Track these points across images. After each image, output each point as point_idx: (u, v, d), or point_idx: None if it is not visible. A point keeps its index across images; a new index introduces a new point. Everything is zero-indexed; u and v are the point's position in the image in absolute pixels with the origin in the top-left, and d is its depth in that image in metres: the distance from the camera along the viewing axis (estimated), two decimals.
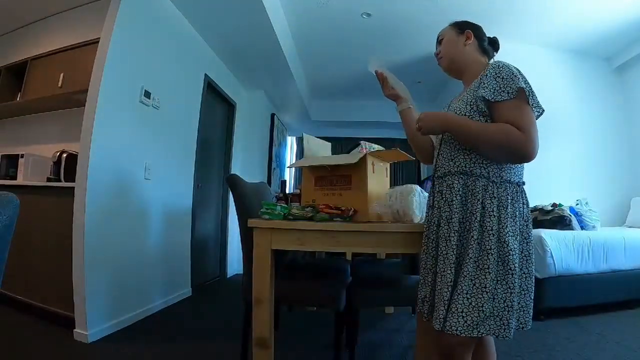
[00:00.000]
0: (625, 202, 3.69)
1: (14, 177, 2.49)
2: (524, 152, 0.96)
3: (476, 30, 1.21)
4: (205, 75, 3.40)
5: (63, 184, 2.18)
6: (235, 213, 1.63)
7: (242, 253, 1.57)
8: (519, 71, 1.03)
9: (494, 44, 1.23)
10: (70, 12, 2.60)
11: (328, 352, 1.85)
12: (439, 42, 1.28)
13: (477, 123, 1.01)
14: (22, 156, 2.47)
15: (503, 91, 0.98)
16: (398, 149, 1.50)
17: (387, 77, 1.35)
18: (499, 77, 1.00)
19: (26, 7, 2.63)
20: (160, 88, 2.61)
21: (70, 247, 1.98)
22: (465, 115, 1.04)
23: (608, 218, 3.65)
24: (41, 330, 2.02)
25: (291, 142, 6.90)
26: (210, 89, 3.56)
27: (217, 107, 3.90)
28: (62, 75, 2.37)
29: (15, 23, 2.86)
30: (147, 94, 2.46)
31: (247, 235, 1.47)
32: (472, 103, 1.03)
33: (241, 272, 1.71)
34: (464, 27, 1.21)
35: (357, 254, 2.61)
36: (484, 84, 1.01)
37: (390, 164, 1.66)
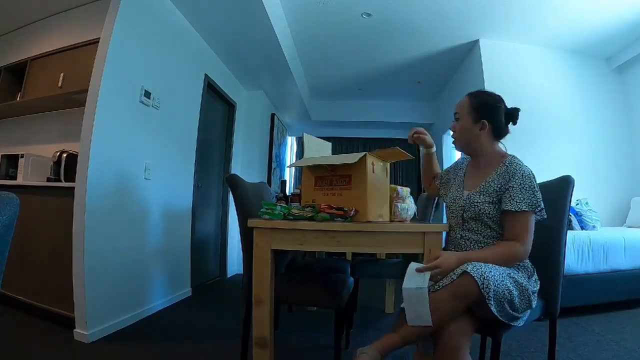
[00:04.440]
0: (625, 202, 3.69)
1: (14, 177, 2.49)
2: (521, 261, 1.17)
3: (492, 115, 1.26)
4: (205, 75, 3.40)
5: (63, 184, 2.18)
6: (235, 213, 1.63)
7: (242, 253, 1.57)
8: (534, 177, 1.17)
9: (512, 117, 1.28)
10: (70, 12, 2.61)
11: (328, 352, 1.85)
12: (456, 118, 1.33)
13: (486, 254, 1.12)
14: (22, 156, 2.47)
15: (523, 203, 1.13)
16: (398, 148, 1.49)
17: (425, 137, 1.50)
18: (523, 188, 1.15)
19: (26, 7, 2.63)
20: (160, 88, 2.61)
21: (70, 246, 1.98)
22: (485, 204, 1.20)
23: (608, 218, 3.65)
24: (41, 330, 2.02)
25: (291, 142, 6.89)
26: (210, 89, 3.56)
27: (217, 107, 3.90)
28: (62, 75, 2.37)
29: (15, 23, 2.86)
30: (147, 94, 2.46)
31: (247, 235, 1.47)
32: (495, 202, 1.20)
33: (241, 272, 1.71)
34: (480, 115, 1.26)
35: (357, 253, 2.61)
36: (510, 194, 1.15)
37: (390, 163, 1.66)
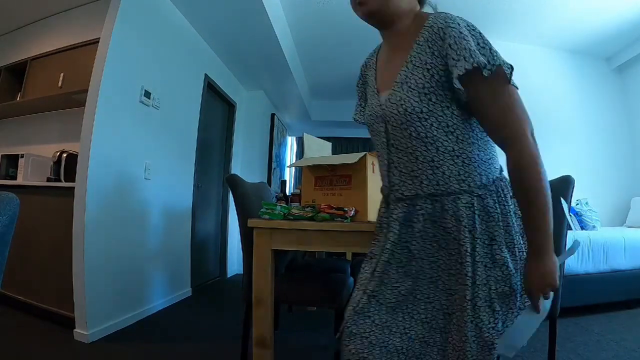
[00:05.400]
0: (625, 202, 3.69)
1: (14, 177, 2.49)
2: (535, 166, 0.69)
3: None
4: (205, 75, 3.40)
5: (63, 184, 2.18)
6: (235, 213, 1.63)
7: (242, 253, 1.57)
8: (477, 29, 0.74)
9: None
10: (70, 12, 2.60)
11: (328, 352, 1.85)
12: None
13: (540, 222, 0.68)
14: (22, 156, 2.47)
15: (479, 55, 0.68)
16: None
17: None
18: (465, 37, 0.70)
19: (26, 7, 2.63)
20: (160, 88, 2.61)
21: (70, 247, 1.98)
22: (412, 99, 0.72)
23: (608, 218, 3.65)
24: (41, 330, 2.02)
25: (291, 142, 6.89)
26: (210, 89, 3.56)
27: (217, 107, 3.90)
28: (62, 75, 2.37)
29: (15, 23, 2.86)
30: (147, 94, 2.46)
31: (247, 235, 1.47)
32: (428, 92, 0.72)
33: (241, 272, 1.71)
34: None
35: (357, 253, 2.60)
36: (454, 54, 0.69)
37: None
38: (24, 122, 2.85)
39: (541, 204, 0.67)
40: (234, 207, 1.63)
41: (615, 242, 2.63)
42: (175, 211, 2.90)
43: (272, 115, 5.28)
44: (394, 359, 0.73)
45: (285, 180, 2.43)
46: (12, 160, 2.54)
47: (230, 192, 1.64)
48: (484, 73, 0.68)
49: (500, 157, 0.78)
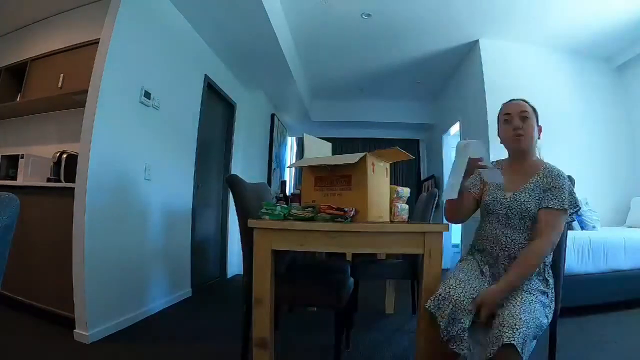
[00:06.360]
0: (625, 202, 3.69)
1: (14, 178, 2.49)
2: (544, 254, 1.22)
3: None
4: (205, 75, 3.40)
5: (63, 184, 2.18)
6: (235, 213, 1.63)
7: (242, 253, 1.57)
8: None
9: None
10: (70, 12, 2.61)
11: (328, 352, 1.85)
12: (522, 118, 1.31)
13: (517, 271, 1.17)
14: (22, 156, 2.48)
15: (566, 202, 1.21)
16: (398, 148, 1.49)
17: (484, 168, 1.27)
18: (564, 188, 1.23)
19: (26, 7, 2.63)
20: (160, 88, 2.61)
21: (70, 247, 1.97)
22: (531, 202, 1.25)
23: (608, 218, 3.64)
24: (41, 330, 2.02)
25: (291, 142, 6.89)
26: (210, 89, 3.56)
27: (217, 107, 3.90)
28: (62, 75, 2.37)
29: (15, 23, 2.86)
30: (147, 94, 2.46)
31: (247, 236, 1.47)
32: (538, 201, 1.25)
33: (241, 272, 1.71)
34: (538, 121, 1.34)
35: (357, 254, 2.60)
36: (554, 193, 1.23)
37: (390, 164, 1.66)
38: (24, 122, 2.85)
39: (529, 269, 1.20)
40: (234, 207, 1.63)
41: (615, 242, 2.63)
42: (175, 211, 2.90)
43: (272, 115, 5.29)
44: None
45: (285, 181, 2.44)
46: (12, 161, 2.55)
47: (230, 192, 1.64)
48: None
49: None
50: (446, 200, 1.34)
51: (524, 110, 1.31)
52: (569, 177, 1.31)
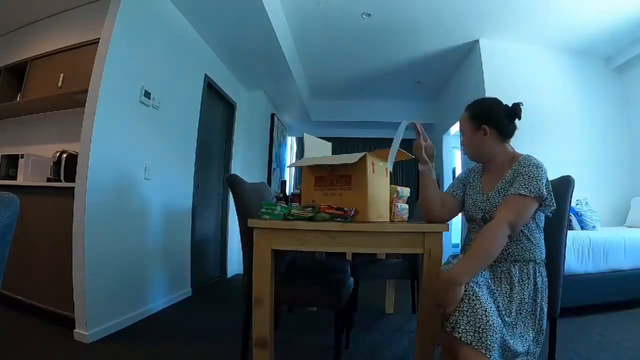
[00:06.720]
0: (625, 202, 3.69)
1: (14, 178, 2.49)
2: (498, 237, 1.12)
3: (491, 119, 1.28)
4: (205, 75, 3.40)
5: (63, 184, 2.18)
6: (235, 213, 1.63)
7: (242, 253, 1.57)
8: (542, 169, 1.18)
9: (514, 113, 1.28)
10: (70, 12, 2.61)
11: (328, 352, 1.85)
12: (461, 132, 1.38)
13: (476, 251, 1.11)
14: (22, 156, 2.47)
15: (523, 188, 1.14)
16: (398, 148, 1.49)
17: (422, 132, 1.42)
18: (527, 175, 1.16)
19: (26, 7, 2.64)
20: (160, 88, 2.61)
21: (70, 247, 1.98)
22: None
23: (608, 218, 3.65)
24: (41, 330, 2.02)
25: (291, 142, 6.89)
26: (210, 89, 3.56)
27: (217, 107, 3.90)
28: (62, 75, 2.37)
29: (15, 23, 2.86)
30: (147, 94, 2.46)
31: (247, 235, 1.47)
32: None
33: (241, 272, 1.71)
34: (479, 122, 1.29)
35: (357, 254, 2.60)
36: (519, 181, 1.16)
37: None
38: (23, 122, 2.85)
39: (482, 255, 1.11)
40: (234, 207, 1.63)
41: (615, 242, 2.63)
42: (175, 211, 2.90)
43: (272, 115, 5.28)
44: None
45: (285, 181, 2.43)
46: (12, 161, 2.55)
47: (230, 192, 1.64)
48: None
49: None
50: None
51: (461, 125, 1.38)
52: (569, 177, 1.30)
